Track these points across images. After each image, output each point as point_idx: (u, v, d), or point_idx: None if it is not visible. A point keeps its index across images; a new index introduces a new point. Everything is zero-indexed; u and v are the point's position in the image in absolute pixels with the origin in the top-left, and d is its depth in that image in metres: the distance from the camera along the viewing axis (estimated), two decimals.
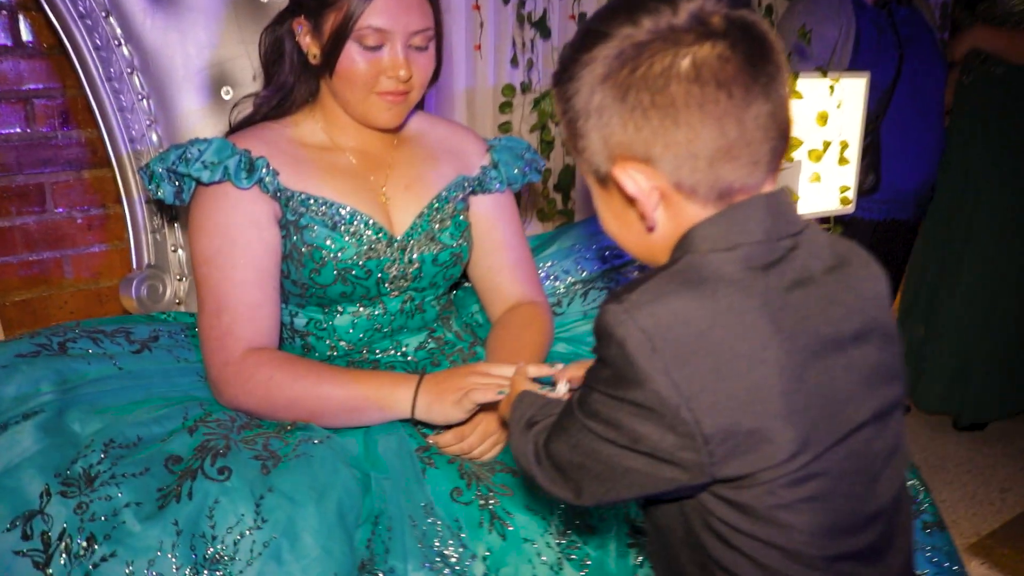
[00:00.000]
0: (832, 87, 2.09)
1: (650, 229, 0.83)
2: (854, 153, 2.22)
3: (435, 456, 1.21)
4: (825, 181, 2.21)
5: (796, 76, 2.02)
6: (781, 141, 0.80)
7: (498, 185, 1.51)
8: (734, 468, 0.76)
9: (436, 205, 1.41)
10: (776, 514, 0.78)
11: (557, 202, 2.13)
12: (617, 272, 1.71)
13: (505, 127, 2.04)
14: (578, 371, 1.10)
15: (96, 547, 0.98)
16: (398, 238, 1.36)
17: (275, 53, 1.38)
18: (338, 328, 1.38)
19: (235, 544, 0.99)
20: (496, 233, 1.52)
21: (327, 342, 1.39)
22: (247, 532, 0.99)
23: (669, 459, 0.77)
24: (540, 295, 1.55)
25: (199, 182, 1.27)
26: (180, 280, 1.63)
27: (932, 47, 2.47)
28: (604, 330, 0.77)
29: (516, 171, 1.54)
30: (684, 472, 0.77)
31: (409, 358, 1.43)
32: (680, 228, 0.82)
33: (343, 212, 1.32)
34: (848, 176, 2.26)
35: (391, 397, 1.22)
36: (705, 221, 0.80)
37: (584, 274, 1.71)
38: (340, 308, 1.37)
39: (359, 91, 1.30)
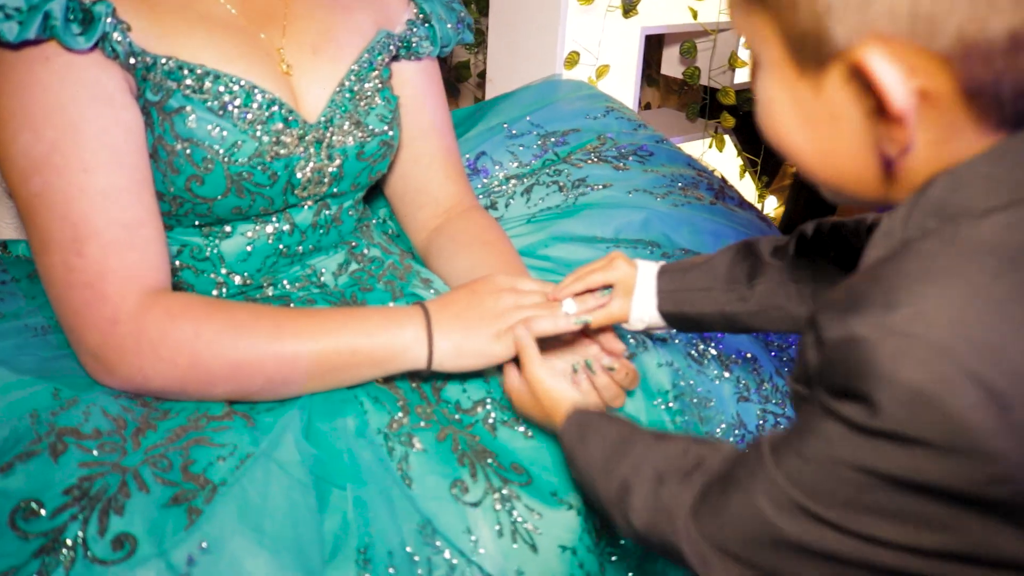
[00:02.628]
0: None
1: (891, 159, 0.51)
2: None
3: (418, 430, 0.84)
4: None
5: None
6: None
7: (429, 47, 1.11)
8: None
9: (358, 74, 1.00)
10: None
11: (471, 69, 1.73)
12: (563, 162, 1.35)
13: None
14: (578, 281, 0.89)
15: None
16: (312, 124, 0.94)
17: None
18: (226, 256, 0.96)
19: None
20: (425, 114, 1.12)
21: (210, 276, 0.97)
22: None
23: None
24: (473, 196, 1.19)
25: None
26: None
27: None
28: (876, 374, 0.46)
29: (449, 27, 1.13)
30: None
31: (329, 288, 1.03)
32: (939, 162, 0.50)
33: (235, 88, 0.88)
34: None
35: (392, 343, 0.84)
36: (980, 157, 0.49)
37: (518, 165, 1.35)
38: (228, 228, 0.95)
39: None
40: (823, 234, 0.81)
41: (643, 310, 0.89)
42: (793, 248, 0.82)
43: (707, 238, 1.25)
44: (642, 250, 1.20)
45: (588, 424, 0.74)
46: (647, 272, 0.89)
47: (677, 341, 1.06)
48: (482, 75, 1.93)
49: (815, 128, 0.55)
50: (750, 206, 1.41)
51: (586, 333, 0.92)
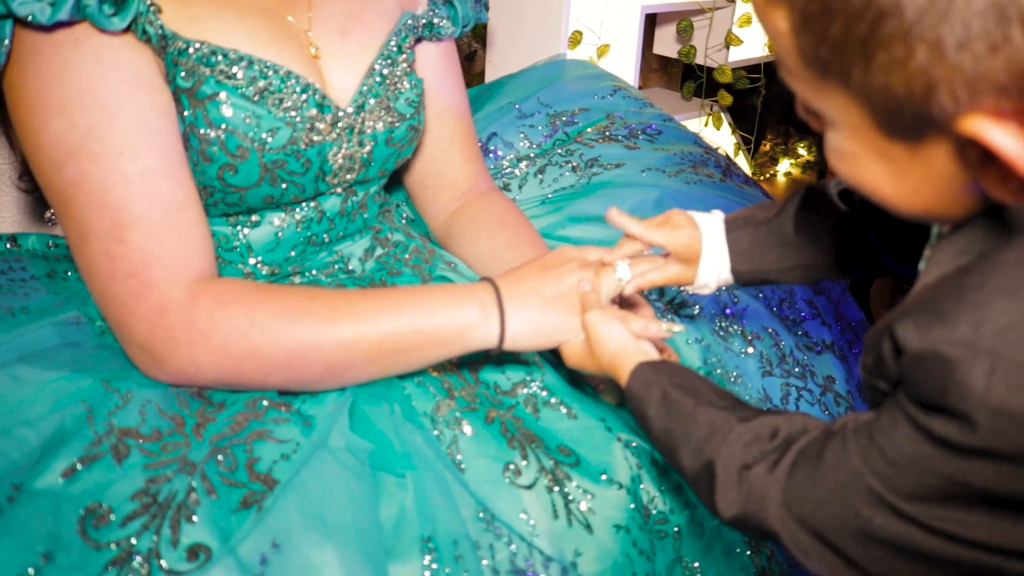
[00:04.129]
0: None
1: (990, 190, 0.50)
2: None
3: (466, 413, 0.83)
4: (755, 23, 1.93)
5: None
6: None
7: (451, 27, 1.09)
8: None
9: (388, 57, 0.98)
10: None
11: (473, 64, 1.72)
12: (575, 141, 1.35)
13: None
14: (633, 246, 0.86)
15: None
16: (344, 110, 0.93)
17: None
18: (254, 246, 0.95)
19: None
20: (445, 96, 1.11)
21: (238, 266, 0.95)
22: None
23: None
24: (490, 178, 1.18)
25: (26, 23, 0.76)
26: None
27: None
28: (968, 394, 0.47)
29: (470, 5, 1.12)
30: None
31: (357, 273, 1.02)
32: None
33: (270, 73, 0.86)
34: None
35: (458, 320, 0.81)
36: None
37: (530, 146, 1.35)
38: (256, 217, 0.94)
39: None
40: None
41: (713, 273, 0.85)
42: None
43: None
44: None
45: (658, 383, 0.71)
46: (713, 233, 0.86)
47: (704, 318, 1.06)
48: (470, 57, 1.92)
49: (907, 178, 0.53)
50: (755, 183, 1.42)
51: (629, 305, 0.91)
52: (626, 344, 0.77)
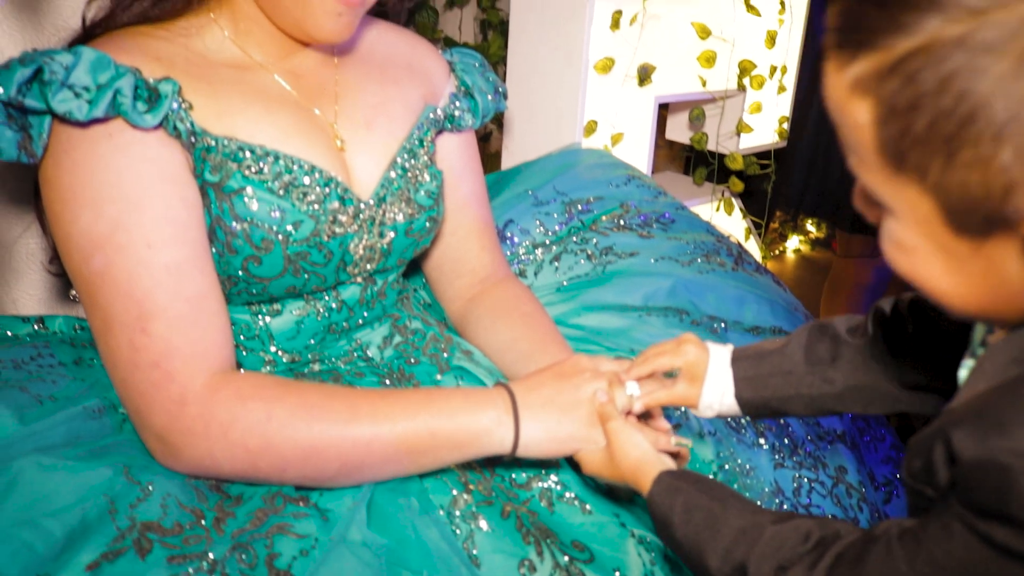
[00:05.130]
0: (783, 3, 1.84)
1: None
2: (792, 80, 2.00)
3: (482, 508, 0.83)
4: (765, 111, 1.97)
5: None
6: None
7: (471, 119, 1.13)
8: None
9: (410, 151, 1.01)
10: None
11: (489, 144, 1.76)
12: (590, 229, 1.38)
13: None
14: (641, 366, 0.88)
15: None
16: (366, 202, 0.96)
17: None
18: (275, 334, 0.97)
19: None
20: (464, 185, 1.14)
21: (259, 353, 0.97)
22: None
23: None
24: (507, 265, 1.21)
25: (65, 120, 0.79)
26: None
27: None
28: None
29: (490, 98, 1.15)
30: None
31: (375, 361, 1.03)
32: None
33: (294, 168, 0.89)
34: (785, 106, 2.03)
35: (474, 425, 0.83)
36: None
37: (545, 233, 1.37)
38: (277, 306, 0.96)
39: None
40: (901, 312, 0.80)
41: (717, 397, 0.87)
42: (871, 326, 0.82)
43: (731, 304, 1.28)
44: (671, 317, 1.22)
45: (682, 491, 0.73)
46: (720, 359, 0.88)
47: None
48: (485, 138, 1.96)
49: (967, 275, 0.53)
50: (766, 270, 1.44)
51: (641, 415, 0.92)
52: (647, 454, 0.79)
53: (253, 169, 0.87)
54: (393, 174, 0.98)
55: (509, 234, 1.36)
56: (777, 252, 3.38)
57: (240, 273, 0.89)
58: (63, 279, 1.10)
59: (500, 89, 1.19)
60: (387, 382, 0.99)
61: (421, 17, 2.04)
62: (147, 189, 0.81)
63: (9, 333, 1.02)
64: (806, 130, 1.99)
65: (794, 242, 3.40)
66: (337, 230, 0.92)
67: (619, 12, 1.64)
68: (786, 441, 1.10)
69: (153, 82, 0.82)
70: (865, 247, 2.03)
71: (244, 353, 0.97)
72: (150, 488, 0.76)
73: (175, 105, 0.82)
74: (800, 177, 2.04)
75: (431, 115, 1.06)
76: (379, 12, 1.11)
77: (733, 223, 2.15)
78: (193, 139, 0.85)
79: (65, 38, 0.98)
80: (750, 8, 1.81)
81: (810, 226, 3.33)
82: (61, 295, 1.19)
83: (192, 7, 0.91)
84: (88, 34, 0.90)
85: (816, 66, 1.99)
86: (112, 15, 0.90)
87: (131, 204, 0.80)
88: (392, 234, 0.98)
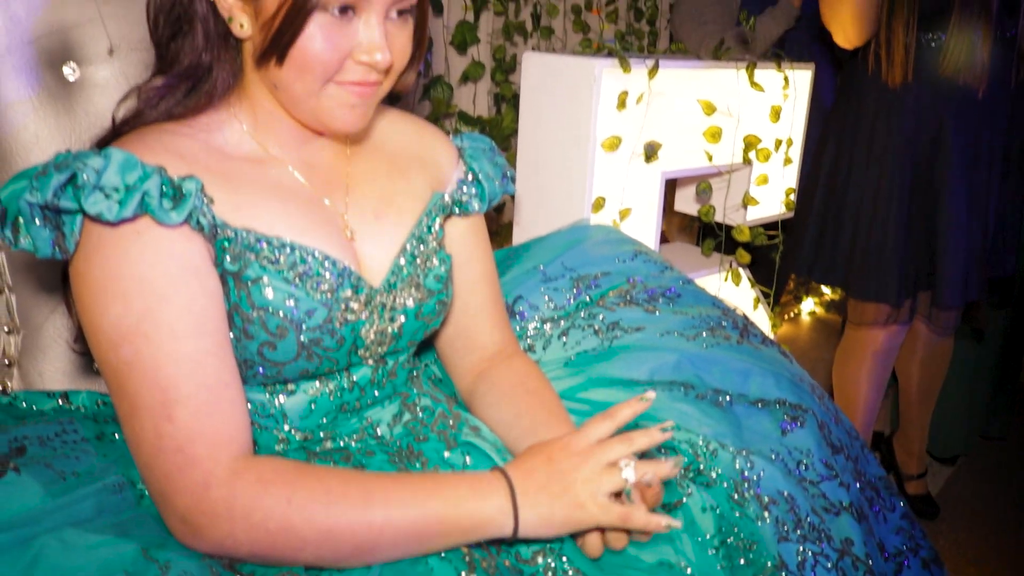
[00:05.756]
0: (787, 78, 1.89)
1: None
2: (798, 152, 2.04)
3: None
4: (772, 183, 2.01)
5: (754, 66, 1.80)
6: None
7: (479, 204, 1.18)
8: None
9: (419, 238, 1.06)
10: None
11: (502, 214, 1.81)
12: (597, 305, 1.41)
13: None
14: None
15: None
16: (376, 289, 1.00)
17: (176, 20, 0.94)
18: (289, 413, 1.01)
19: None
20: (474, 266, 1.19)
21: (273, 431, 1.01)
22: None
23: None
24: (516, 342, 1.24)
25: (96, 220, 0.84)
26: (10, 333, 1.15)
27: None
28: None
29: (497, 183, 1.20)
30: None
31: (385, 439, 1.07)
32: None
33: (309, 259, 0.94)
34: (792, 177, 2.07)
35: (479, 513, 0.87)
36: None
37: (554, 308, 1.41)
38: (291, 387, 1.00)
39: (315, 80, 0.91)
40: None
41: None
42: None
43: (736, 377, 1.30)
44: (676, 391, 1.24)
45: None
46: None
47: (725, 485, 1.09)
48: (498, 209, 2.00)
49: None
50: (772, 342, 1.46)
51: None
52: None
53: (270, 259, 0.92)
54: (403, 261, 1.03)
55: (519, 309, 1.40)
56: (792, 315, 3.39)
57: (256, 357, 0.93)
58: (86, 357, 1.14)
59: (508, 173, 1.23)
60: (396, 459, 1.02)
61: (436, 92, 2.10)
62: (173, 282, 0.86)
63: (35, 408, 1.06)
64: (814, 200, 2.04)
65: (809, 304, 3.42)
66: (349, 317, 0.96)
67: (625, 92, 1.70)
68: (791, 514, 1.11)
69: (178, 180, 0.87)
70: (877, 315, 2.05)
71: (259, 431, 1.00)
72: (168, 567, 0.79)
73: (198, 201, 0.87)
74: (811, 246, 2.08)
75: (439, 201, 1.10)
76: (394, 94, 1.16)
77: (741, 293, 2.18)
78: (215, 231, 0.90)
79: (95, 123, 1.04)
80: (754, 84, 1.87)
81: (825, 288, 3.36)
82: (84, 369, 1.23)
83: (213, 103, 0.96)
84: (117, 131, 0.96)
85: (822, 138, 2.03)
86: (140, 114, 0.96)
87: (158, 297, 0.85)
88: (403, 318, 1.03)
